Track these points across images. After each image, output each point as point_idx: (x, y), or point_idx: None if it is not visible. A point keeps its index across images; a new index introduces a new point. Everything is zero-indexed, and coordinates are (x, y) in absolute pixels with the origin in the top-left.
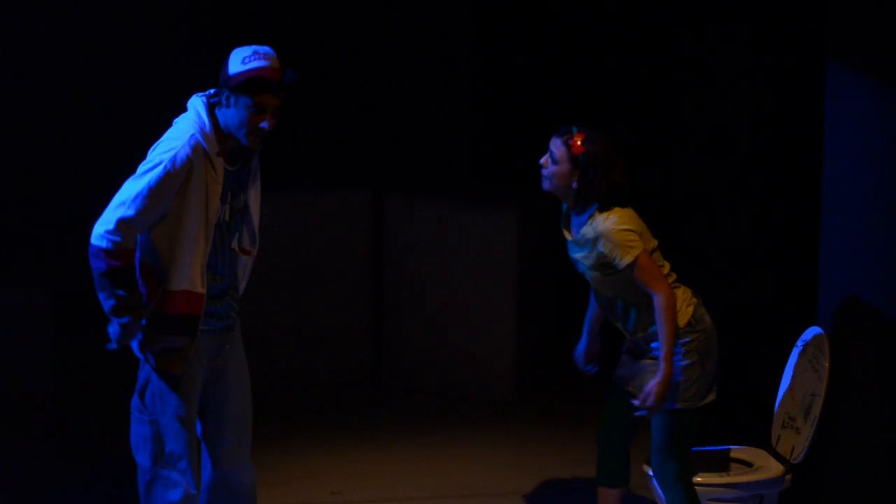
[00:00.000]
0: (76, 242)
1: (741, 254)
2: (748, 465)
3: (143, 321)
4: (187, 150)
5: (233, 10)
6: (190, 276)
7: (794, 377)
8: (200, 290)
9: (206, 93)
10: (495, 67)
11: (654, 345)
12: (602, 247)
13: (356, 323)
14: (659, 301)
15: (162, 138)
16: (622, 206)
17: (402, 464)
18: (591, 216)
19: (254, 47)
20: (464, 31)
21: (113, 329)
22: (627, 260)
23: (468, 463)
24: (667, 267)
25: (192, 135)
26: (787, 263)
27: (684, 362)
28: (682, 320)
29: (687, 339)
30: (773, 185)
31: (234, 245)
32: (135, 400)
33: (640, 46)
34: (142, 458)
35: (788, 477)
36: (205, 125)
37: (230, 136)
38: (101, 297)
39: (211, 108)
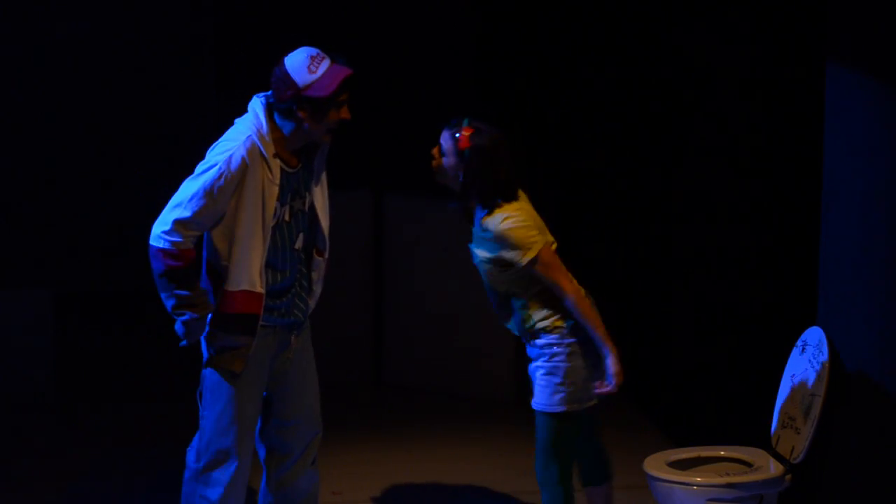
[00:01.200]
0: (77, 242)
1: (741, 254)
2: (748, 465)
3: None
4: (242, 151)
5: (232, 10)
6: (249, 276)
7: (794, 377)
8: (259, 289)
9: (266, 93)
10: (495, 67)
11: (537, 342)
12: (502, 248)
13: (356, 323)
14: (567, 297)
15: (220, 139)
16: (514, 198)
17: (402, 464)
18: (487, 214)
19: (306, 51)
20: (464, 30)
21: (178, 327)
22: (529, 257)
23: (468, 463)
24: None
25: (249, 136)
26: (788, 263)
27: (567, 364)
28: (570, 318)
29: (572, 340)
30: (773, 185)
31: (299, 245)
32: (197, 398)
33: (640, 47)
34: (190, 454)
35: (788, 477)
36: (262, 126)
37: (289, 137)
38: (162, 296)
39: (269, 110)
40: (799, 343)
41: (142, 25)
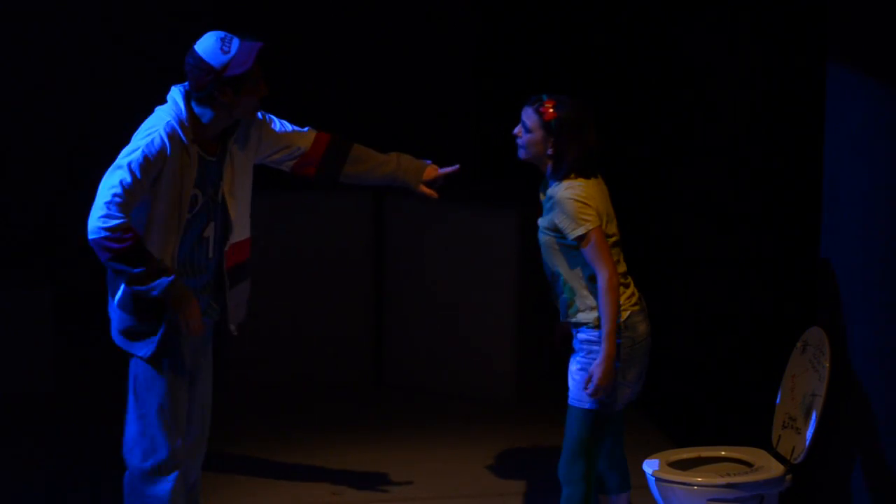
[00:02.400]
0: (77, 241)
1: (741, 254)
2: (748, 465)
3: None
4: (163, 134)
5: (232, 10)
6: (161, 259)
7: (794, 377)
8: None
9: (184, 84)
10: (496, 67)
11: (579, 335)
12: (558, 215)
13: (356, 323)
14: (602, 280)
15: (141, 126)
16: (594, 175)
17: (402, 464)
18: (557, 184)
19: (214, 35)
20: (464, 30)
21: (156, 292)
22: (578, 232)
23: (468, 463)
24: (622, 266)
25: (168, 122)
26: (788, 264)
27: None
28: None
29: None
30: (773, 185)
31: (208, 234)
32: (129, 398)
33: (639, 47)
34: (133, 457)
35: (789, 477)
36: (181, 112)
37: (208, 125)
38: (123, 284)
39: (188, 99)
40: (799, 343)
41: (145, 26)
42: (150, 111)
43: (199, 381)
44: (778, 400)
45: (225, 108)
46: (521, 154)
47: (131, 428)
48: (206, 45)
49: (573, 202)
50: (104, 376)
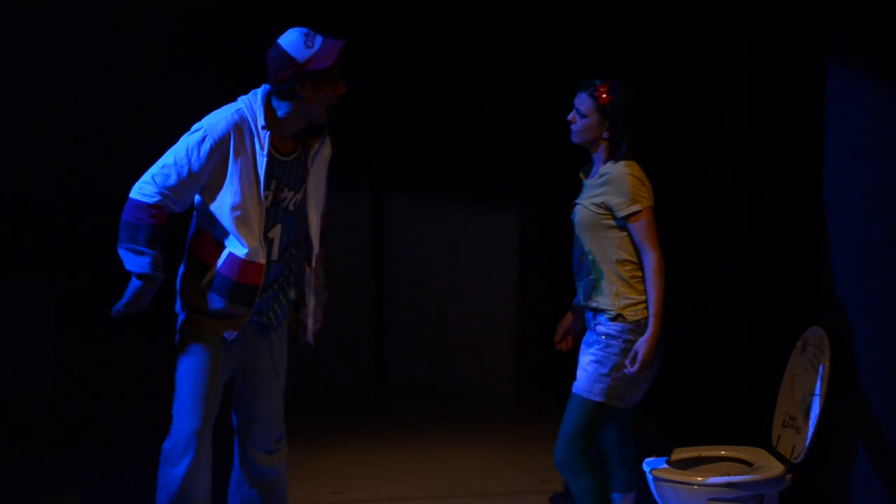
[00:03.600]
0: (77, 242)
1: (741, 254)
2: (748, 465)
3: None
4: (230, 120)
5: (231, 9)
6: (251, 244)
7: (794, 377)
8: (261, 259)
9: (265, 86)
10: (496, 66)
11: (598, 327)
12: (612, 191)
13: (356, 323)
14: (651, 260)
15: (219, 109)
16: (641, 160)
17: (402, 464)
18: (611, 164)
19: (298, 30)
20: (464, 29)
21: (128, 291)
22: (633, 209)
23: (468, 463)
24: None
25: (239, 109)
26: (788, 264)
27: (618, 359)
28: (636, 317)
29: (631, 338)
30: (772, 184)
31: (273, 235)
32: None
33: (639, 47)
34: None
35: (789, 477)
36: (256, 101)
37: (285, 119)
38: (120, 251)
39: (268, 96)
40: (799, 343)
41: (147, 26)
42: (152, 110)
43: (259, 385)
44: (777, 400)
45: (302, 103)
46: (575, 139)
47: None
48: (290, 39)
49: (631, 179)
50: (104, 376)
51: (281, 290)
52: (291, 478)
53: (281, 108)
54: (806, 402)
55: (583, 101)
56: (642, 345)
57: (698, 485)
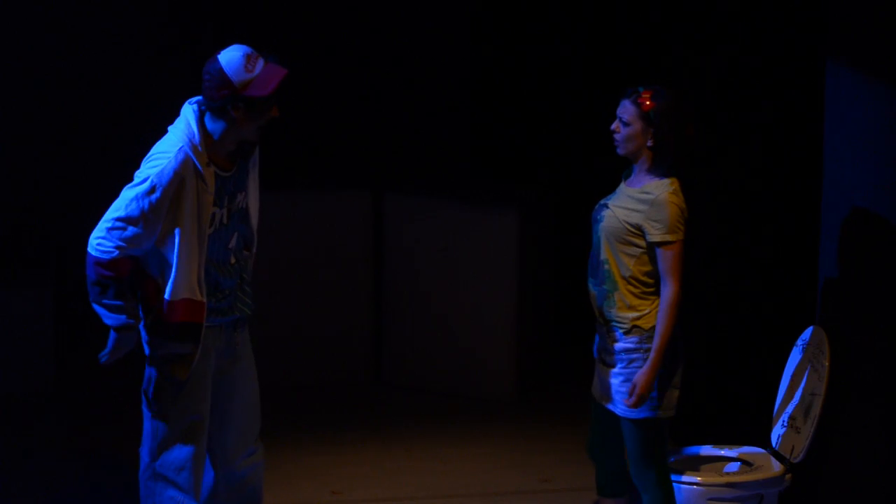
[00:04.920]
0: (78, 241)
1: (741, 253)
2: (748, 464)
3: (144, 332)
4: (175, 164)
5: (231, 9)
6: (189, 284)
7: (794, 377)
8: (200, 297)
9: (197, 99)
10: (495, 67)
11: (616, 345)
12: (651, 214)
13: (356, 323)
14: (669, 292)
15: (153, 149)
16: (687, 168)
17: (402, 464)
18: (656, 179)
19: (241, 49)
20: (463, 30)
21: (110, 341)
22: (668, 238)
23: (468, 463)
24: None
25: (181, 148)
26: (787, 262)
27: (660, 371)
28: (651, 323)
29: (650, 346)
30: (772, 184)
31: (232, 245)
32: (142, 396)
33: (639, 47)
34: (144, 451)
35: (788, 477)
36: (194, 136)
37: (220, 140)
38: (94, 306)
39: (202, 117)
40: (799, 343)
41: (148, 27)
42: (148, 113)
43: (227, 388)
44: (777, 400)
45: (233, 124)
46: (620, 150)
47: (146, 423)
48: (231, 57)
49: (674, 208)
50: (104, 376)
51: (239, 287)
52: (291, 477)
53: (215, 130)
54: (806, 402)
55: (626, 109)
56: (640, 378)
57: (698, 484)
